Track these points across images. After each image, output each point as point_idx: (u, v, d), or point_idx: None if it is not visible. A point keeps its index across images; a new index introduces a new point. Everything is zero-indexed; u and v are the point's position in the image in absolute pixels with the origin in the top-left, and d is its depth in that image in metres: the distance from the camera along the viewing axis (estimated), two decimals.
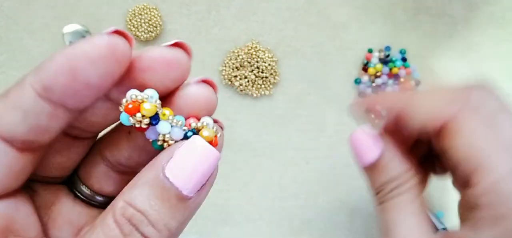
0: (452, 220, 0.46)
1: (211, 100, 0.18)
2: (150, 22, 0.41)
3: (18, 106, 0.17)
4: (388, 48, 0.44)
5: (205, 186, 0.17)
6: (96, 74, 0.16)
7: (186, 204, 0.17)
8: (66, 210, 0.20)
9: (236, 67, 0.42)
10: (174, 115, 0.18)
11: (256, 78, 0.43)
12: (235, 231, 0.44)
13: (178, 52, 0.17)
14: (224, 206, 0.44)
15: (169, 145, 0.18)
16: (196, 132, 0.18)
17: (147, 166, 0.17)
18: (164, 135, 0.17)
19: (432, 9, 0.45)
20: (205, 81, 0.18)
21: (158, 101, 0.17)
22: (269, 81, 0.43)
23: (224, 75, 0.42)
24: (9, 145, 0.17)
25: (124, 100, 0.17)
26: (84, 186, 0.21)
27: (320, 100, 0.44)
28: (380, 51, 0.44)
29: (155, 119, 0.17)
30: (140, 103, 0.17)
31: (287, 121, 0.44)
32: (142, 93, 0.17)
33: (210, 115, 0.19)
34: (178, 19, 0.42)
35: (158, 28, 0.41)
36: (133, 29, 0.41)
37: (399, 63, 0.44)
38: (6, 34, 0.40)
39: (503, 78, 0.46)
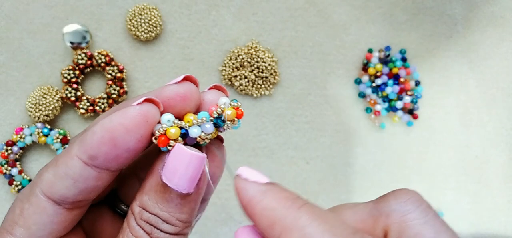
0: (452, 220, 0.46)
1: (193, 94, 0.21)
2: (150, 22, 0.41)
3: (68, 176, 0.19)
4: (388, 48, 0.44)
5: (200, 181, 0.19)
6: (134, 140, 0.19)
7: (189, 198, 0.19)
8: (107, 226, 0.23)
9: (236, 67, 0.42)
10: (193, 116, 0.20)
11: (256, 78, 0.43)
12: (235, 231, 0.44)
13: (188, 86, 0.20)
14: (224, 206, 0.44)
15: (210, 140, 0.20)
16: (220, 115, 0.20)
17: (149, 171, 0.20)
18: (200, 137, 0.20)
19: (432, 9, 0.45)
20: (187, 78, 0.21)
21: (176, 120, 0.20)
22: (269, 81, 0.43)
23: (224, 75, 0.42)
24: (60, 206, 0.20)
25: (153, 139, 0.19)
26: (123, 204, 0.24)
27: (320, 100, 0.44)
28: (380, 51, 0.44)
29: (185, 133, 0.19)
30: (165, 132, 0.19)
31: (287, 121, 0.44)
32: (162, 124, 0.19)
33: (195, 107, 0.21)
34: (178, 19, 0.42)
35: (158, 28, 0.41)
36: (133, 29, 0.41)
37: (399, 63, 0.44)
38: (6, 34, 0.40)
39: (503, 78, 0.46)
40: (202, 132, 0.20)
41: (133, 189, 0.23)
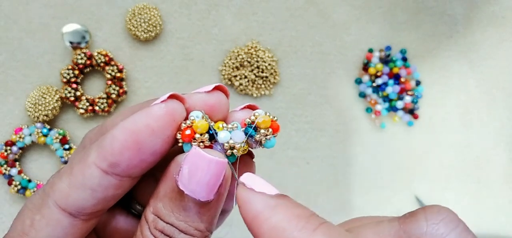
0: None
1: (222, 105, 0.19)
2: (150, 22, 0.41)
3: (85, 186, 0.17)
4: (388, 48, 0.44)
5: (221, 187, 0.17)
6: (160, 142, 0.17)
7: (208, 206, 0.17)
8: (121, 227, 0.21)
9: (236, 67, 0.42)
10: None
11: (256, 78, 0.42)
12: (235, 231, 0.44)
13: (217, 96, 0.19)
14: None
15: (239, 151, 0.18)
16: (253, 126, 0.18)
17: (163, 176, 0.18)
18: (228, 144, 0.18)
19: (432, 9, 0.45)
20: (217, 88, 0.19)
21: (205, 116, 0.18)
22: (269, 81, 0.43)
23: (224, 75, 0.42)
24: (76, 218, 0.18)
25: (177, 134, 0.17)
26: (138, 204, 0.22)
27: (320, 100, 0.44)
28: (380, 51, 0.44)
29: (213, 134, 0.18)
30: (192, 124, 0.17)
31: (287, 121, 0.44)
32: (190, 118, 0.18)
33: (224, 117, 0.19)
34: (178, 19, 0.42)
35: (158, 27, 0.41)
36: (133, 28, 0.40)
37: (399, 63, 0.44)
38: (5, 34, 0.40)
39: (503, 78, 0.46)
40: (231, 138, 0.18)
41: (149, 188, 0.21)
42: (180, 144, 0.18)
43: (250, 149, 0.19)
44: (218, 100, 0.19)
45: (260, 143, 0.18)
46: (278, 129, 0.18)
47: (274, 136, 0.19)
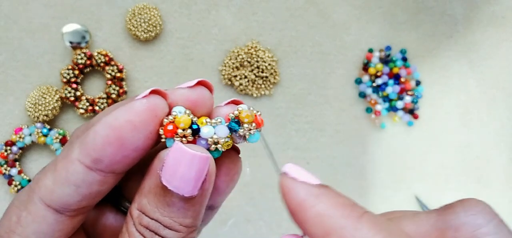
0: None
1: (206, 100, 0.19)
2: (150, 22, 0.41)
3: (69, 182, 0.17)
4: (388, 48, 0.44)
5: (205, 182, 0.17)
6: (142, 137, 0.17)
7: (193, 201, 0.17)
8: (110, 224, 0.22)
9: (236, 67, 0.42)
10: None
11: (256, 78, 0.42)
12: (235, 231, 0.44)
13: (200, 91, 0.19)
14: (224, 206, 0.44)
15: (223, 146, 0.18)
16: (237, 120, 0.18)
17: (147, 171, 0.18)
18: (212, 139, 0.18)
19: (432, 9, 0.45)
20: (201, 83, 0.19)
21: (188, 111, 0.18)
22: (269, 81, 0.43)
23: (224, 75, 0.42)
24: (61, 215, 0.18)
25: (160, 129, 0.17)
26: (128, 202, 0.21)
27: (320, 100, 0.44)
28: (380, 51, 0.44)
29: (196, 129, 0.18)
30: (174, 119, 0.17)
31: (287, 121, 0.44)
32: (172, 113, 0.18)
33: (208, 112, 0.19)
34: (178, 19, 0.42)
35: (158, 27, 0.41)
36: (133, 28, 0.40)
37: (399, 63, 0.44)
38: (5, 34, 0.40)
39: (503, 78, 0.46)
40: (214, 133, 0.18)
41: (137, 185, 0.21)
42: (163, 140, 0.18)
43: (234, 144, 0.19)
44: (201, 95, 0.19)
45: (244, 138, 0.19)
46: (261, 123, 0.19)
47: (258, 130, 0.19)
